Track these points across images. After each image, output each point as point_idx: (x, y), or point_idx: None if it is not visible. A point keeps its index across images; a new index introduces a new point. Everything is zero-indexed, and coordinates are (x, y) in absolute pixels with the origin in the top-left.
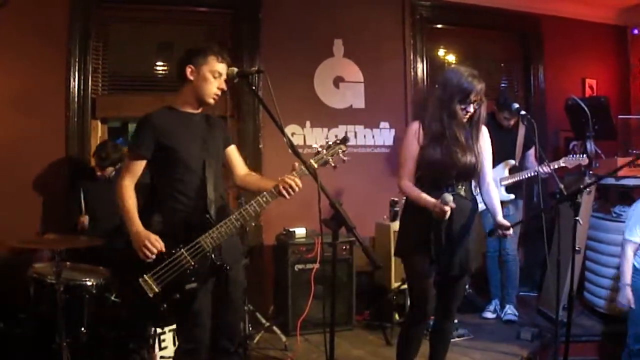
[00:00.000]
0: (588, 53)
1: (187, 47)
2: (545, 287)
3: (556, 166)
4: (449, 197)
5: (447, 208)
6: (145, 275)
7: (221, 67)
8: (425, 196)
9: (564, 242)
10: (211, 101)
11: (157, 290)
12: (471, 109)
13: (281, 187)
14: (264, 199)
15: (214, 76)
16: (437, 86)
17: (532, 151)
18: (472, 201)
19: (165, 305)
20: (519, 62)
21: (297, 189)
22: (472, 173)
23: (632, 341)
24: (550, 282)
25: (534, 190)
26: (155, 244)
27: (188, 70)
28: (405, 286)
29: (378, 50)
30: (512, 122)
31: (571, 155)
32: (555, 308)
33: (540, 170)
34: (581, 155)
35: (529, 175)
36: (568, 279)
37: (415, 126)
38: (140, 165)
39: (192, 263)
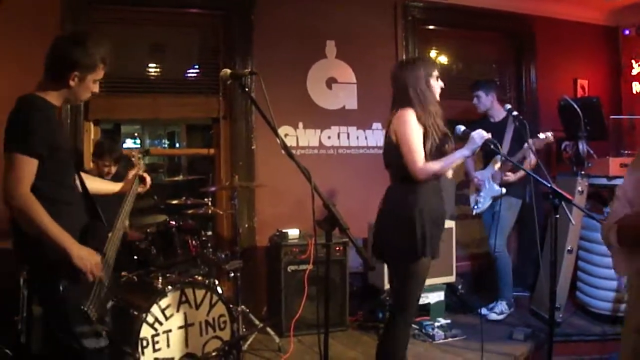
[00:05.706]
0: (580, 54)
1: (75, 43)
2: (537, 288)
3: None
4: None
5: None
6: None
7: (102, 72)
8: (455, 152)
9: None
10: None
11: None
12: (441, 83)
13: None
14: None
15: (94, 83)
16: (400, 77)
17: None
18: None
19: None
20: (511, 62)
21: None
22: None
23: None
24: (544, 282)
25: (526, 191)
26: (100, 264)
27: (73, 77)
28: None
29: (371, 51)
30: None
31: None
32: (548, 308)
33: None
34: (548, 135)
35: (517, 161)
36: (559, 278)
37: (413, 113)
38: (35, 167)
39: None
